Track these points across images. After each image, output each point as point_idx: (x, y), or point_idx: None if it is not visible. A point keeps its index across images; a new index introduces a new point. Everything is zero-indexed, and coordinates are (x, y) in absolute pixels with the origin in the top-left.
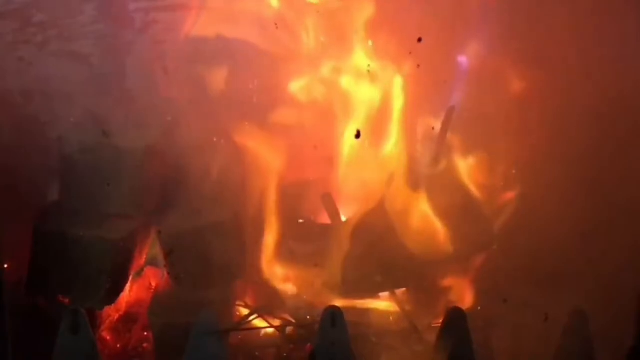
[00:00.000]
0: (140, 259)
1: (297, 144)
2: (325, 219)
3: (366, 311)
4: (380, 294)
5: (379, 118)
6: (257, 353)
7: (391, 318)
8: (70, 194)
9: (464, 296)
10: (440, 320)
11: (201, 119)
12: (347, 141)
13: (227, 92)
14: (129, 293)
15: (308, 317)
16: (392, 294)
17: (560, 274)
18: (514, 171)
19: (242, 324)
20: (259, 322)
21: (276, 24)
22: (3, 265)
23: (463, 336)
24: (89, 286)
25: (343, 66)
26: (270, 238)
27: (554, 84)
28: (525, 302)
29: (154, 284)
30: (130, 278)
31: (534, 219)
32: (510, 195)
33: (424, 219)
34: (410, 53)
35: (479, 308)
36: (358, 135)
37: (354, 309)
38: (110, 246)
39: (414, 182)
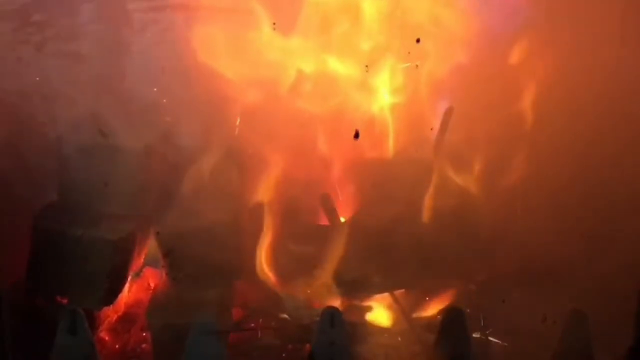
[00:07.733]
0: (139, 260)
1: (296, 144)
2: (323, 219)
3: (365, 311)
4: (379, 295)
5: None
6: (256, 353)
7: (390, 318)
8: (69, 194)
9: (464, 296)
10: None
11: (200, 119)
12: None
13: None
14: (128, 294)
15: (307, 317)
16: (391, 294)
17: (559, 275)
18: (513, 172)
19: (241, 325)
20: (257, 322)
21: (274, 24)
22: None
23: (462, 336)
24: (88, 286)
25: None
26: (268, 238)
27: (556, 85)
28: (524, 302)
29: (152, 285)
30: (129, 278)
31: (534, 220)
32: (509, 196)
33: (423, 219)
34: (409, 53)
35: (479, 308)
36: (357, 135)
37: (353, 309)
38: (108, 246)
39: (413, 182)
